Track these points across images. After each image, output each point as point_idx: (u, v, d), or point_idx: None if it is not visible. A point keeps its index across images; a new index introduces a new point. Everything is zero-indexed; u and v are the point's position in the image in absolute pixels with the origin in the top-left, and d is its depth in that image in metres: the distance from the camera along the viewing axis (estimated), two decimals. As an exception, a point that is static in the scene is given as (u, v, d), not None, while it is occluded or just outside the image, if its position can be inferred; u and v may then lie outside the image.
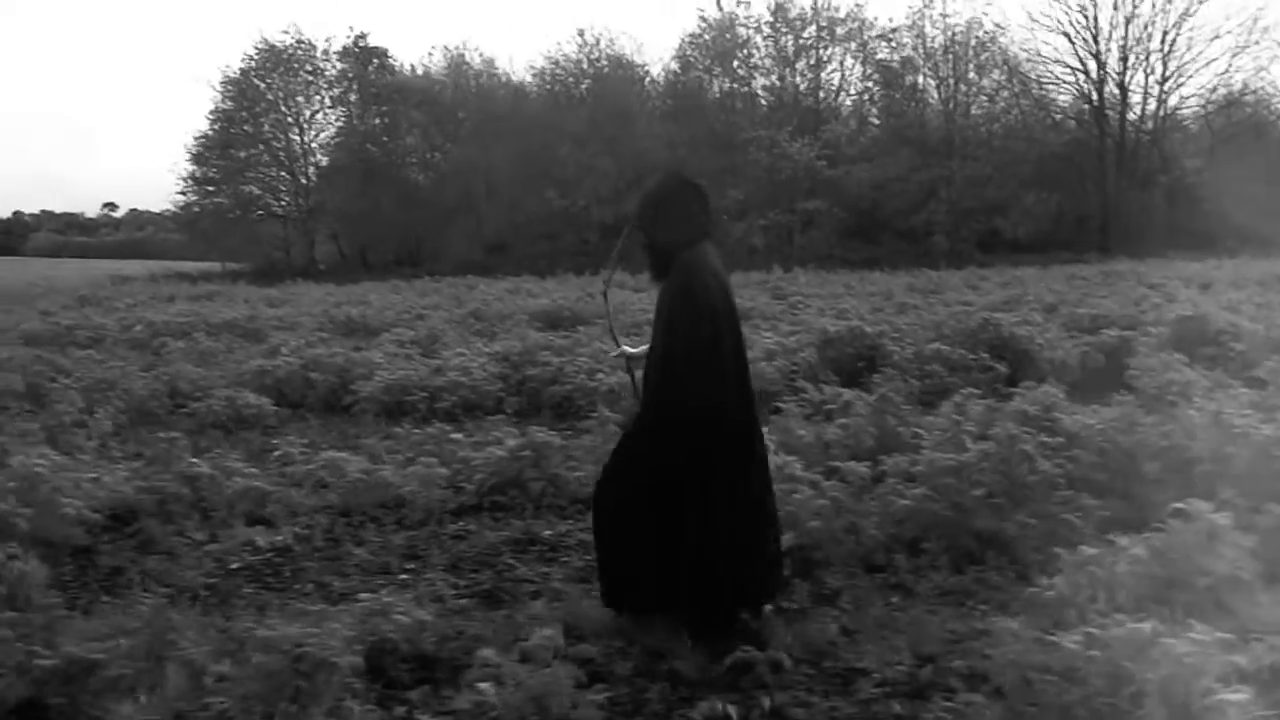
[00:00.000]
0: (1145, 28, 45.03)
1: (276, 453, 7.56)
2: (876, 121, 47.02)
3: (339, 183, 47.77)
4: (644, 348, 4.44)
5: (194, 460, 6.65)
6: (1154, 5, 44.97)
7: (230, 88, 47.38)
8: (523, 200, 45.17)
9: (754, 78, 46.83)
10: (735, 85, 47.04)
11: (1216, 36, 46.94)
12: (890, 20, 46.86)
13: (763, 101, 46.79)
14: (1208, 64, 46.15)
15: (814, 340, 10.73)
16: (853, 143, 44.06)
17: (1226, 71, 45.15)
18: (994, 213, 42.89)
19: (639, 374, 4.47)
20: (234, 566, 5.43)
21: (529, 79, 50.02)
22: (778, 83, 46.52)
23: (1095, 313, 14.47)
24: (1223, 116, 46.39)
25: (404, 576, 5.21)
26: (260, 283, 34.24)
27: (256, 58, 47.27)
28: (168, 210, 54.13)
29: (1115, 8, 45.32)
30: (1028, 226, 42.56)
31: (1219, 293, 19.52)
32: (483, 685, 3.34)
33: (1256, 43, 51.25)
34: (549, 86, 47.86)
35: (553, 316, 16.99)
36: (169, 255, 62.39)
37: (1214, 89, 45.86)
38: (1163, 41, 45.01)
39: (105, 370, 11.48)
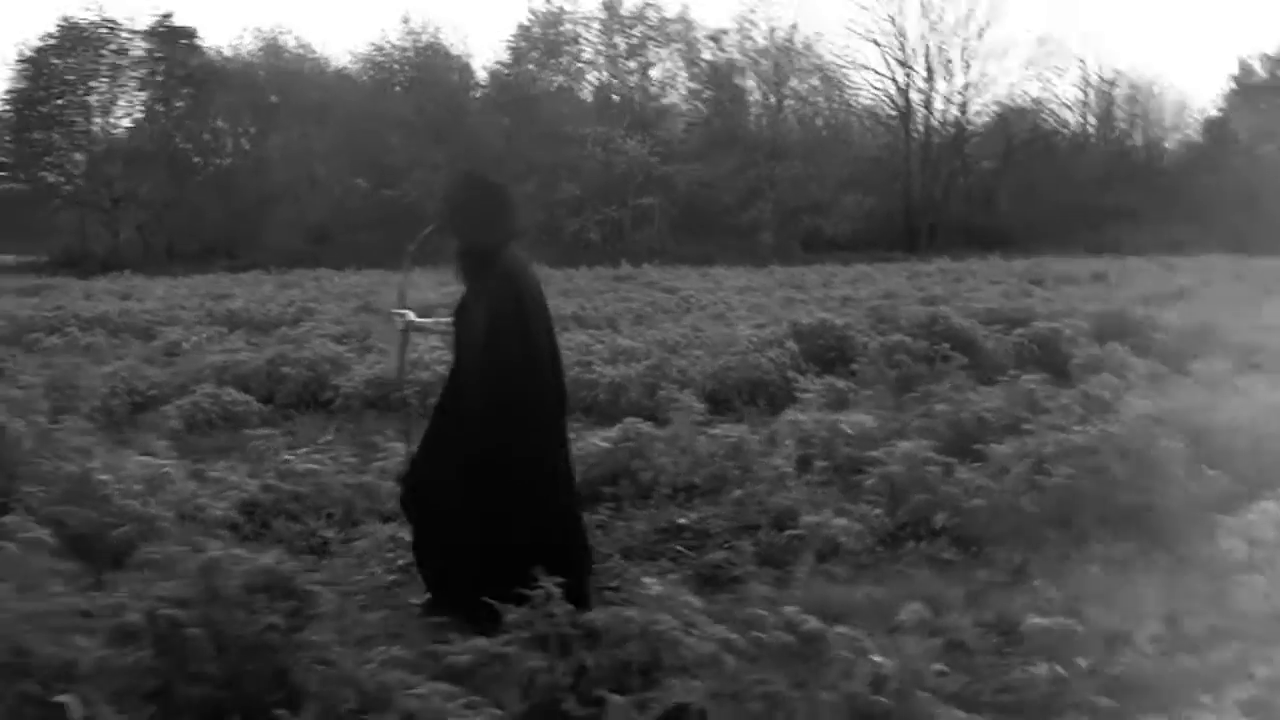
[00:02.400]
0: (947, 38, 48.08)
1: (328, 450, 7.31)
2: (702, 121, 48.09)
3: (144, 169, 45.17)
4: (428, 320, 4.85)
5: (289, 456, 6.41)
6: (955, 18, 47.95)
7: (27, 66, 44.06)
8: (348, 190, 43.98)
9: (585, 73, 47.23)
10: (566, 80, 47.24)
11: (1013, 48, 50.28)
12: (718, 23, 48.81)
13: (591, 98, 47.16)
14: (1004, 74, 49.09)
15: (786, 333, 11.10)
16: (684, 141, 45.00)
17: (1019, 82, 48.53)
18: (815, 212, 44.77)
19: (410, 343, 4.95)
20: (400, 564, 5.32)
21: (351, 65, 48.74)
22: (610, 80, 47.03)
23: (990, 306, 15.41)
24: (1015, 124, 49.90)
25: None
26: (65, 275, 32.10)
27: (56, 35, 44.13)
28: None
29: (922, 17, 48.02)
30: (846, 226, 44.69)
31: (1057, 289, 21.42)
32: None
33: (1048, 54, 54.95)
34: (373, 74, 46.72)
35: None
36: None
37: (1009, 98, 49.37)
38: (963, 52, 48.14)
39: (44, 369, 10.68)
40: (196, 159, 48.00)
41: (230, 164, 47.43)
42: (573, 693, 3.22)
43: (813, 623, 3.33)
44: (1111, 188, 48.54)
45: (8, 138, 45.20)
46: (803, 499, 6.02)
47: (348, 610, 3.19)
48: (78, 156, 45.45)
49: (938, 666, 3.48)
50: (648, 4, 46.29)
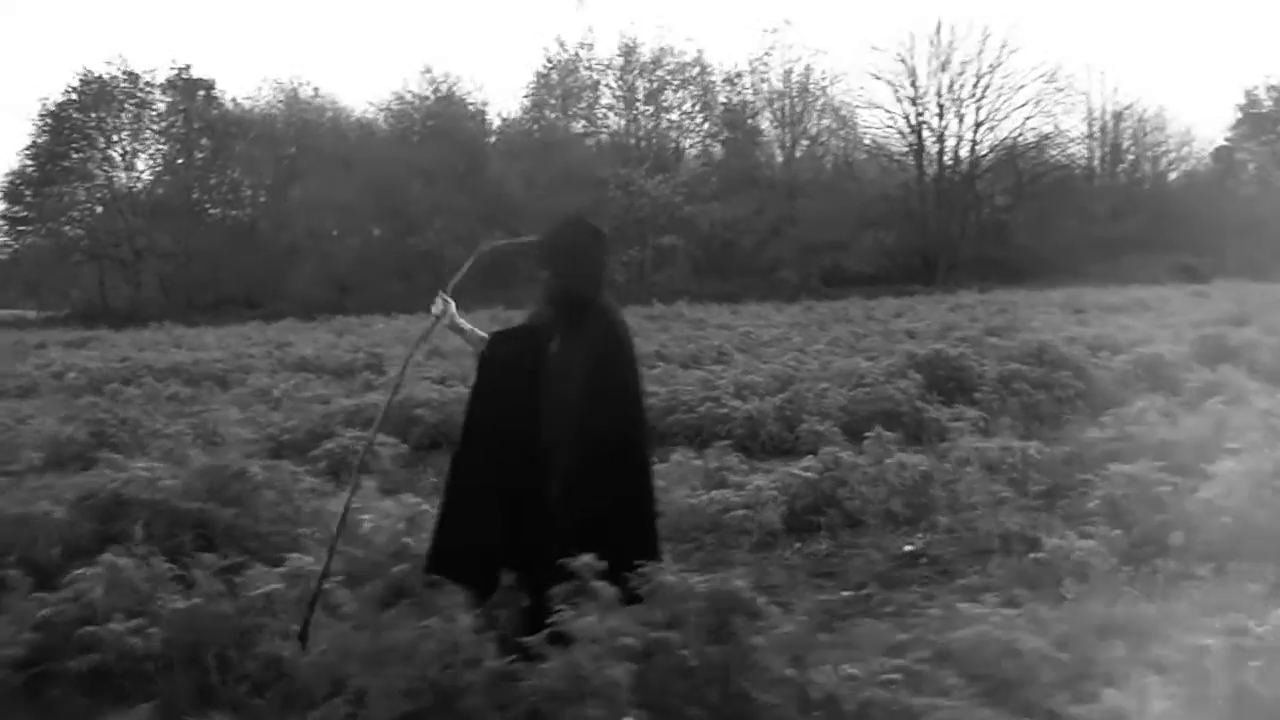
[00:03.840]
0: (958, 77, 48.65)
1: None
2: (720, 161, 48.50)
3: (164, 222, 45.38)
4: (465, 323, 4.44)
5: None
6: (965, 57, 48.55)
7: (48, 121, 44.35)
8: (370, 239, 44.25)
9: (606, 118, 47.74)
10: (585, 125, 47.73)
11: (1022, 86, 50.90)
12: (735, 65, 49.62)
13: (610, 140, 47.61)
14: (1015, 110, 49.57)
15: (905, 364, 11.21)
16: (704, 182, 45.37)
17: (1031, 118, 49.01)
18: (835, 249, 45.08)
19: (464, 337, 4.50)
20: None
21: (373, 115, 49.21)
22: (628, 123, 47.51)
23: (1070, 335, 15.53)
24: (1025, 158, 50.37)
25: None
26: (90, 328, 32.11)
27: (78, 89, 44.48)
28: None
29: (931, 58, 48.59)
30: (867, 262, 45.02)
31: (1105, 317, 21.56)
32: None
33: (1058, 91, 55.51)
34: (394, 123, 47.12)
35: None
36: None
37: (1019, 134, 49.80)
38: (975, 88, 48.70)
39: (177, 417, 10.78)
40: (215, 210, 48.19)
41: (250, 214, 47.65)
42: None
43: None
44: (1122, 218, 48.95)
45: (29, 192, 45.37)
46: (1024, 523, 6.11)
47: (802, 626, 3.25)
48: (99, 210, 45.54)
49: None
50: (663, 49, 46.89)
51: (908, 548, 6.11)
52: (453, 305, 4.38)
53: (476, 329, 4.48)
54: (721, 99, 47.88)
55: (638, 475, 4.16)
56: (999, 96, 48.82)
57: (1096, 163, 54.48)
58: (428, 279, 42.48)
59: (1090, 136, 53.58)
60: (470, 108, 48.40)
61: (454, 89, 47.33)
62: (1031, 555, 5.66)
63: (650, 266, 44.29)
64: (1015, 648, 3.79)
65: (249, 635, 4.35)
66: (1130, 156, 55.16)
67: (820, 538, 6.38)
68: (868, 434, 9.54)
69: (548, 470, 4.06)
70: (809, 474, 6.74)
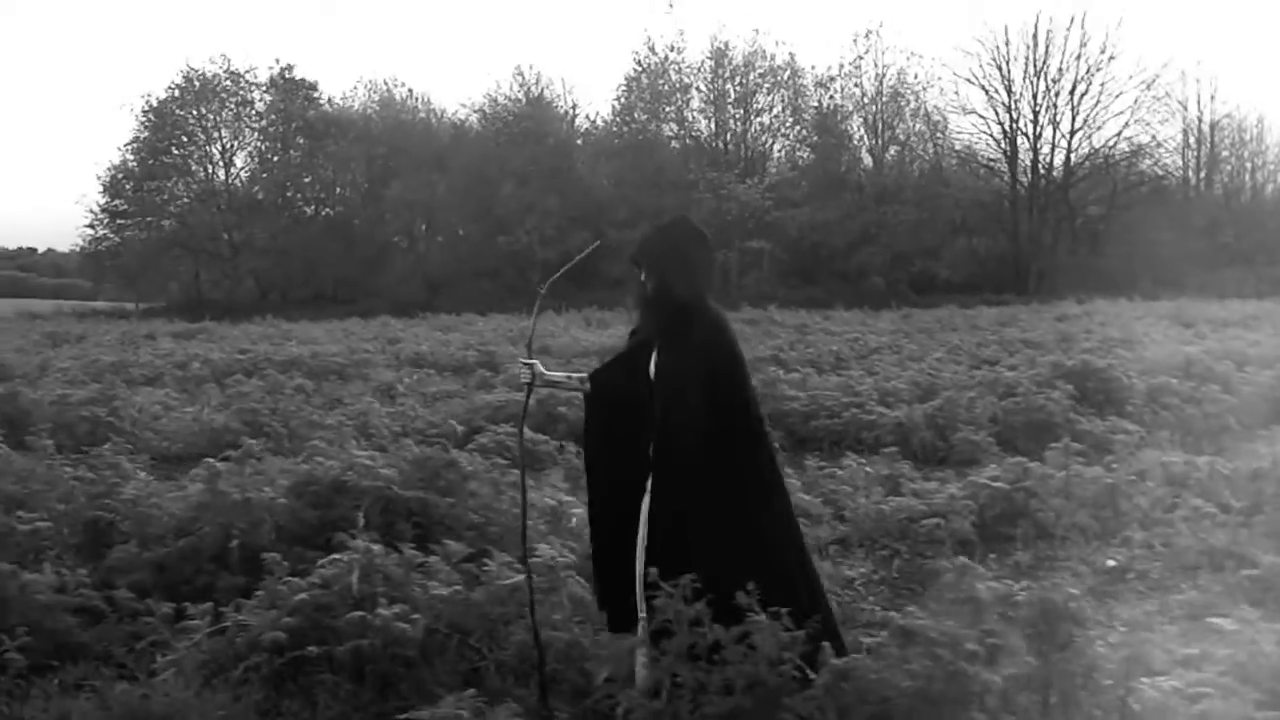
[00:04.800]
0: (1054, 83, 47.80)
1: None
2: (810, 165, 48.19)
3: (260, 218, 46.33)
4: (559, 375, 4.30)
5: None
6: (1062, 62, 47.68)
7: (151, 117, 45.48)
8: (462, 238, 44.76)
9: (695, 121, 47.74)
10: (675, 128, 47.77)
11: (1120, 93, 49.86)
12: (829, 69, 49.38)
13: (706, 143, 47.58)
14: (1113, 118, 48.64)
15: (1051, 374, 11.06)
16: (793, 186, 45.14)
17: (1127, 126, 47.97)
18: (926, 256, 44.58)
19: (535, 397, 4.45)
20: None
21: (466, 115, 49.77)
22: (718, 126, 47.46)
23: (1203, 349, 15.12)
24: (1124, 168, 49.33)
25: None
26: (195, 320, 32.72)
27: (181, 86, 45.59)
28: (74, 247, 51.19)
29: (1027, 63, 47.80)
30: (957, 270, 44.48)
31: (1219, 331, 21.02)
32: None
33: (1156, 99, 54.30)
34: (488, 124, 47.58)
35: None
36: (42, 294, 59.33)
37: (1115, 143, 48.80)
38: (1071, 94, 47.81)
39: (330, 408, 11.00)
40: (309, 208, 49.02)
41: (343, 213, 48.38)
42: None
43: None
44: (1218, 231, 47.82)
45: (129, 185, 46.51)
46: (1227, 539, 5.98)
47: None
48: (198, 205, 46.55)
49: None
50: (755, 52, 46.75)
51: (1110, 562, 6.01)
52: (538, 365, 4.19)
53: (571, 374, 4.30)
54: (813, 103, 47.59)
55: (767, 497, 3.91)
56: (1096, 103, 47.95)
57: (1191, 173, 53.23)
58: (515, 278, 43.02)
59: (1187, 146, 52.44)
60: (560, 109, 48.76)
61: (545, 90, 47.72)
62: (1243, 572, 5.55)
63: (737, 270, 44.17)
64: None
65: (498, 624, 4.42)
66: (1228, 168, 53.85)
67: (1014, 549, 6.31)
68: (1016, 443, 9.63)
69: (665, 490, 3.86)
70: (998, 484, 6.65)
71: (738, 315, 30.10)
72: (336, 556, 4.51)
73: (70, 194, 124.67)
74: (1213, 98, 69.97)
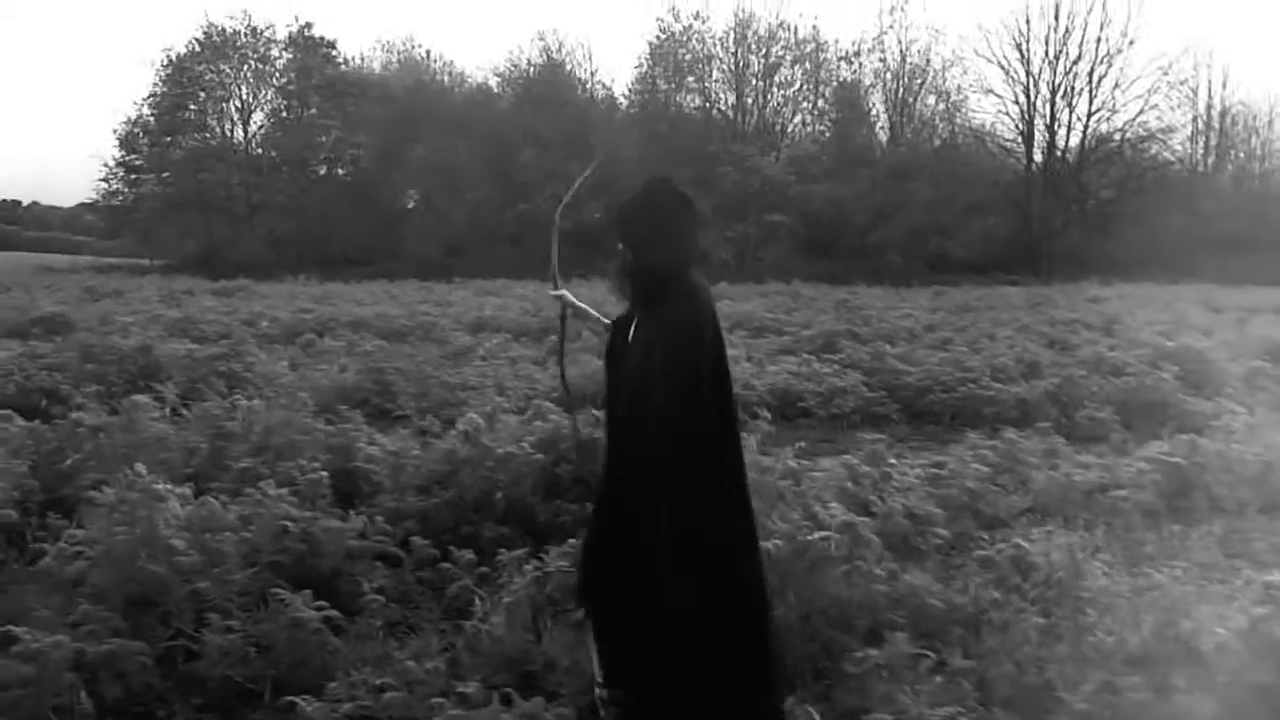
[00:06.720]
0: (1073, 65, 48.07)
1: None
2: (830, 140, 48.32)
3: (277, 177, 46.23)
4: (587, 307, 4.09)
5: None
6: (1081, 45, 47.93)
7: (170, 71, 45.23)
8: (481, 202, 44.73)
9: (716, 93, 47.77)
10: (697, 98, 47.83)
11: (1138, 77, 50.03)
12: (852, 44, 49.24)
13: (727, 115, 47.62)
14: (1128, 103, 49.01)
15: (1154, 355, 11.39)
16: (814, 160, 45.29)
17: (1143, 112, 48.30)
18: (941, 234, 44.88)
19: (571, 330, 4.33)
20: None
21: (485, 78, 49.65)
22: (737, 99, 47.52)
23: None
24: (1134, 152, 49.68)
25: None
26: (211, 276, 32.59)
27: (201, 41, 45.30)
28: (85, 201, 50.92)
29: (1047, 42, 48.02)
30: (972, 249, 44.81)
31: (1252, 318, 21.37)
32: None
33: (1171, 84, 54.53)
34: (509, 89, 47.50)
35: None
36: (54, 248, 58.99)
37: (1129, 127, 49.13)
38: (1090, 77, 48.10)
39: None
40: (325, 169, 48.88)
41: (362, 174, 48.22)
42: None
43: None
44: (1231, 217, 48.22)
45: (145, 140, 46.29)
46: None
47: None
48: (216, 162, 46.36)
49: None
50: (779, 24, 46.79)
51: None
52: (567, 294, 4.04)
53: (602, 317, 4.03)
54: (835, 77, 47.73)
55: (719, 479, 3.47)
56: (1114, 87, 48.28)
57: (1208, 158, 53.67)
58: (536, 243, 43.00)
59: (1198, 132, 52.85)
60: (581, 76, 48.72)
61: (567, 57, 47.65)
62: None
63: (754, 244, 44.40)
64: None
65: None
66: (1239, 155, 54.30)
67: (1196, 521, 6.62)
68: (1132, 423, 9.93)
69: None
70: (1175, 459, 6.97)
71: (762, 288, 30.36)
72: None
73: (59, 149, 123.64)
74: (1224, 84, 70.51)
